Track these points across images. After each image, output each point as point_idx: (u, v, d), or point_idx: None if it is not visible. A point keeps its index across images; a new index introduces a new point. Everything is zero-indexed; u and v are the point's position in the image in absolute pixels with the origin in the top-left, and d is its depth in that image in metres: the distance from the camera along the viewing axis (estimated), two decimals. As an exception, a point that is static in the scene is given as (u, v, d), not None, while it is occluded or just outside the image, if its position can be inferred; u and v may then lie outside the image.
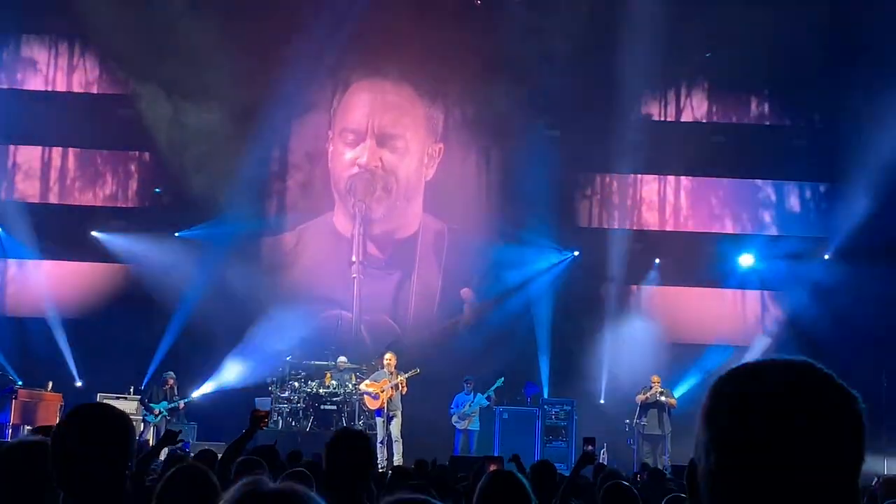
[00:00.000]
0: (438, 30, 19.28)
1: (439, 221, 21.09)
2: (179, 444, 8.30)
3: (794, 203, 21.51)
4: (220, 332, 19.71)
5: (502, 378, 18.86)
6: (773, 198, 21.69)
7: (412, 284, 21.04)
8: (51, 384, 18.20)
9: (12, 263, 20.98)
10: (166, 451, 9.38)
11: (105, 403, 3.44)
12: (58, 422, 3.17)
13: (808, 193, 21.43)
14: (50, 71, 21.38)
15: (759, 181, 21.74)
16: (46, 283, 20.32)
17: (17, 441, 4.02)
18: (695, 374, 20.13)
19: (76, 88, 21.45)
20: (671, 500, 5.62)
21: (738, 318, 20.95)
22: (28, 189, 20.99)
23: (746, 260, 21.26)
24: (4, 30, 20.60)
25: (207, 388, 19.75)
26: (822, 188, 21.20)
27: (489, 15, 20.38)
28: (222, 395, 19.57)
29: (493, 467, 8.02)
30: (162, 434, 17.54)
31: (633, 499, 5.93)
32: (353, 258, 20.89)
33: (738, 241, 21.45)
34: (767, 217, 21.71)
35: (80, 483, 2.98)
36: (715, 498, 1.49)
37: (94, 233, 20.68)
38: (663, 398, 18.55)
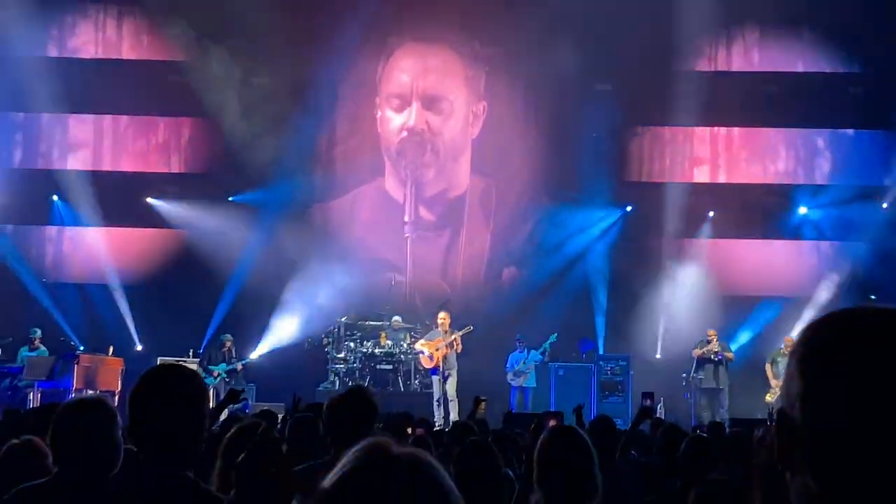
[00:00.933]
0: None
1: (487, 180, 21.03)
2: (240, 405, 8.41)
3: (849, 151, 21.20)
4: (275, 295, 19.92)
5: (556, 334, 18.94)
6: (829, 147, 21.40)
7: (461, 245, 21.00)
8: (111, 349, 18.43)
9: (71, 231, 21.12)
10: (226, 412, 9.43)
11: (180, 365, 3.44)
12: (136, 383, 3.16)
13: (864, 141, 21.08)
14: (100, 38, 21.46)
15: (813, 130, 21.48)
16: (105, 249, 20.49)
17: (78, 398, 4.06)
18: (750, 327, 20.12)
19: (126, 55, 21.49)
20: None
21: (793, 269, 20.74)
22: (83, 157, 21.11)
23: (802, 210, 21.07)
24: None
25: (264, 348, 19.92)
26: (878, 136, 20.81)
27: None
28: (279, 355, 19.73)
29: (552, 422, 8.00)
30: (222, 395, 17.81)
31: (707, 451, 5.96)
32: (406, 218, 20.89)
33: (792, 192, 21.32)
34: (822, 166, 21.44)
35: (161, 441, 3.03)
36: (817, 440, 1.43)
37: (149, 199, 20.81)
38: (721, 352, 18.54)
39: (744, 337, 20.13)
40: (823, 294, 19.90)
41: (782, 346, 18.58)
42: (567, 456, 4.17)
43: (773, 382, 18.27)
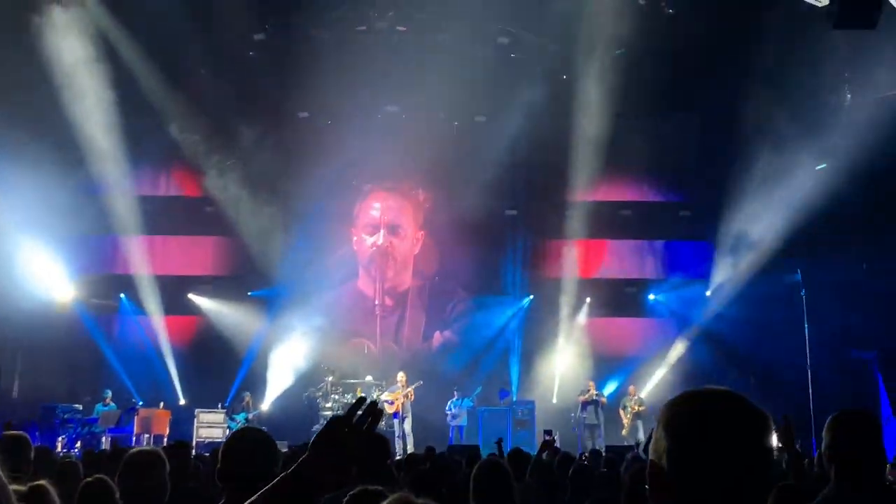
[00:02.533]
0: (427, 150, 19.42)
1: (423, 281, 21.25)
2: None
3: (682, 255, 21.40)
4: (281, 360, 19.81)
5: (480, 386, 19.05)
6: (667, 252, 21.64)
7: (405, 322, 21.10)
8: (162, 403, 18.14)
9: (133, 318, 20.84)
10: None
11: (257, 428, 3.43)
12: (227, 440, 3.12)
13: (691, 248, 21.39)
14: (154, 180, 21.46)
15: (656, 241, 21.75)
16: (157, 332, 20.24)
17: (137, 449, 4.07)
18: (617, 379, 20.19)
19: (173, 192, 21.53)
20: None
21: (646, 337, 20.89)
22: (141, 266, 20.86)
23: (651, 297, 21.38)
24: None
25: (272, 400, 19.72)
26: (701, 244, 21.14)
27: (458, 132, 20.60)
28: (283, 405, 19.55)
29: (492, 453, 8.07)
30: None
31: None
32: (376, 302, 20.98)
33: (644, 284, 21.42)
34: (663, 266, 21.62)
35: (247, 483, 2.82)
36: (681, 485, 1.48)
37: (190, 295, 20.71)
38: (597, 397, 18.67)
39: (612, 386, 20.18)
40: (670, 355, 20.00)
41: (628, 394, 18.83)
42: (494, 481, 4.10)
43: (624, 421, 18.55)
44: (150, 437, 17.03)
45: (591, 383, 18.97)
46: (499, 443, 9.24)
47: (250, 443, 3.04)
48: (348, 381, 19.30)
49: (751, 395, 1.55)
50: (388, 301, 21.21)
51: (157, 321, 20.12)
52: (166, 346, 20.09)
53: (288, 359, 19.93)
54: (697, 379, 17.60)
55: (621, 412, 18.81)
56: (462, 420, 18.56)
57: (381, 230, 21.21)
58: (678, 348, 20.03)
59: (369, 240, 21.24)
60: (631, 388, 19.05)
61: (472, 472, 4.20)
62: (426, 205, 21.27)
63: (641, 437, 17.74)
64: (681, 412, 1.51)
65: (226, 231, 20.60)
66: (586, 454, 11.25)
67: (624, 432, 18.50)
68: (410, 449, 16.52)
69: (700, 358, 19.34)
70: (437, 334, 21.09)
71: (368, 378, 19.16)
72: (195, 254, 21.49)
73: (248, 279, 20.48)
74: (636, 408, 18.57)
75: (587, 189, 19.99)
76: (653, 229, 21.48)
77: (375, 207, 21.35)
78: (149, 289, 19.92)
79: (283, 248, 20.11)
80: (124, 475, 3.72)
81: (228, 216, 20.29)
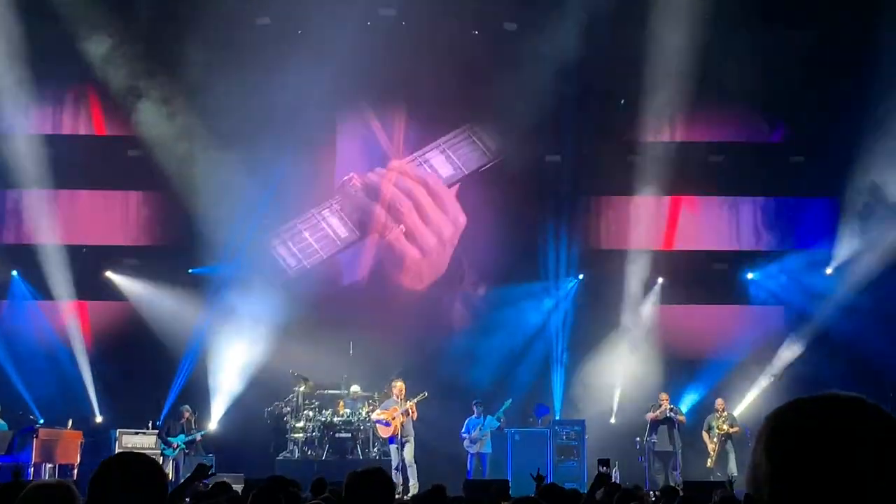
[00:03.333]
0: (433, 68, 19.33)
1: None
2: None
3: (794, 219, 21.44)
4: (233, 362, 19.83)
5: (510, 399, 18.95)
6: (773, 214, 21.63)
7: (405, 312, 21.04)
8: (70, 422, 18.15)
9: (31, 304, 20.83)
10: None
11: (140, 453, 3.50)
12: (94, 473, 3.20)
13: (807, 209, 21.34)
14: (56, 115, 21.36)
15: (758, 198, 21.77)
16: (63, 322, 20.26)
17: (37, 483, 4.03)
18: (699, 389, 20.18)
19: (82, 131, 21.45)
20: None
21: (740, 333, 20.80)
22: (40, 231, 20.82)
23: (749, 276, 21.29)
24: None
25: (222, 418, 19.80)
26: (820, 203, 21.08)
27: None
28: (238, 424, 19.62)
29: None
30: (182, 468, 17.60)
31: None
32: (365, 283, 21.05)
33: (738, 258, 21.52)
34: (768, 233, 21.64)
35: None
36: None
37: (108, 273, 20.70)
38: (672, 415, 18.64)
39: (692, 399, 20.17)
40: (775, 358, 20.05)
41: (714, 410, 18.79)
42: None
43: (710, 448, 18.51)
44: (54, 468, 17.05)
45: (665, 396, 19.04)
46: (537, 478, 9.16)
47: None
48: (326, 391, 19.41)
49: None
50: (383, 283, 21.12)
51: (63, 308, 20.19)
52: (76, 342, 20.17)
53: (242, 361, 20.01)
54: (812, 391, 17.49)
55: (705, 435, 18.87)
56: (484, 446, 18.65)
57: (376, 188, 21.06)
58: (786, 349, 20.09)
59: (357, 197, 21.11)
60: (719, 401, 19.07)
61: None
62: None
63: (734, 469, 17.68)
64: (789, 427, 1.53)
65: (158, 185, 20.59)
66: (657, 493, 11.18)
67: (709, 463, 18.61)
68: (413, 486, 16.53)
69: (817, 364, 19.32)
70: (449, 327, 21.03)
71: (354, 388, 19.26)
72: (115, 216, 21.51)
73: (188, 252, 20.49)
74: (726, 429, 18.60)
75: (662, 126, 20.15)
76: (753, 182, 21.46)
77: (365, 150, 21.34)
78: (52, 264, 19.92)
79: (237, 209, 20.08)
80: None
81: (162, 164, 20.14)
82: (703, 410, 19.62)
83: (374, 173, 21.08)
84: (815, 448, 1.47)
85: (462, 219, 20.94)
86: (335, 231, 21.02)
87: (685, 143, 20.94)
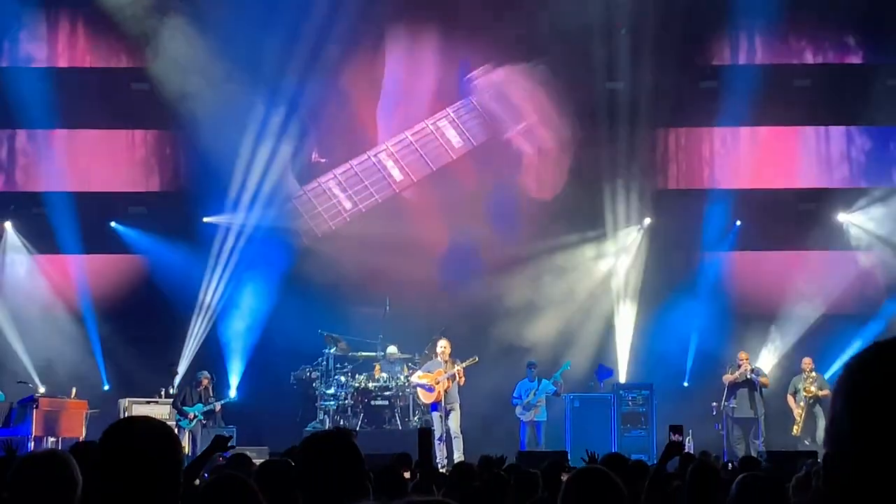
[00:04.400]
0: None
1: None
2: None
3: (892, 149, 21.17)
4: (254, 322, 19.92)
5: (569, 361, 18.91)
6: (868, 145, 21.34)
7: (452, 262, 21.10)
8: (74, 390, 18.30)
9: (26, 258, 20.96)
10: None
11: (151, 418, 3.40)
12: (100, 440, 3.11)
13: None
14: (52, 44, 21.34)
15: (851, 127, 21.50)
16: (63, 278, 20.38)
17: (29, 455, 4.01)
18: (782, 347, 20.13)
19: (86, 63, 21.42)
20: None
21: (832, 282, 20.61)
22: (34, 178, 20.92)
23: (839, 217, 21.08)
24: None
25: (244, 385, 19.91)
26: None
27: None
28: (262, 392, 19.69)
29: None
30: (199, 441, 17.70)
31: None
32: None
33: (827, 196, 21.36)
34: (861, 167, 21.41)
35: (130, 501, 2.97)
36: (870, 490, 1.46)
37: (113, 223, 20.77)
38: (754, 376, 18.53)
39: (774, 359, 20.04)
40: (874, 312, 20.07)
41: (801, 371, 18.63)
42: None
43: (796, 413, 18.40)
44: (56, 441, 17.28)
45: (745, 355, 18.99)
46: (589, 459, 9.03)
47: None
48: (360, 354, 19.38)
49: None
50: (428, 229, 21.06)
51: (65, 264, 20.28)
52: (80, 301, 20.29)
53: (264, 321, 20.16)
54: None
55: (791, 399, 18.81)
56: (539, 413, 18.65)
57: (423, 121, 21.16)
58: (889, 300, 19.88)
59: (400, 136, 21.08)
60: (806, 361, 18.94)
61: (564, 486, 4.28)
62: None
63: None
64: (873, 375, 1.51)
65: (168, 122, 20.62)
66: (735, 464, 11.11)
67: (796, 430, 18.58)
68: (458, 457, 16.52)
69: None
70: (500, 282, 20.95)
71: (392, 349, 19.20)
72: (120, 159, 21.49)
73: (203, 198, 20.49)
74: (814, 391, 18.53)
75: (739, 47, 19.68)
76: (845, 109, 21.28)
77: (410, 74, 21.43)
78: (51, 213, 20.03)
79: (258, 148, 19.97)
80: (15, 486, 3.79)
81: (173, 99, 20.04)
82: (788, 371, 19.52)
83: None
84: None
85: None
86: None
87: (766, 67, 20.77)
